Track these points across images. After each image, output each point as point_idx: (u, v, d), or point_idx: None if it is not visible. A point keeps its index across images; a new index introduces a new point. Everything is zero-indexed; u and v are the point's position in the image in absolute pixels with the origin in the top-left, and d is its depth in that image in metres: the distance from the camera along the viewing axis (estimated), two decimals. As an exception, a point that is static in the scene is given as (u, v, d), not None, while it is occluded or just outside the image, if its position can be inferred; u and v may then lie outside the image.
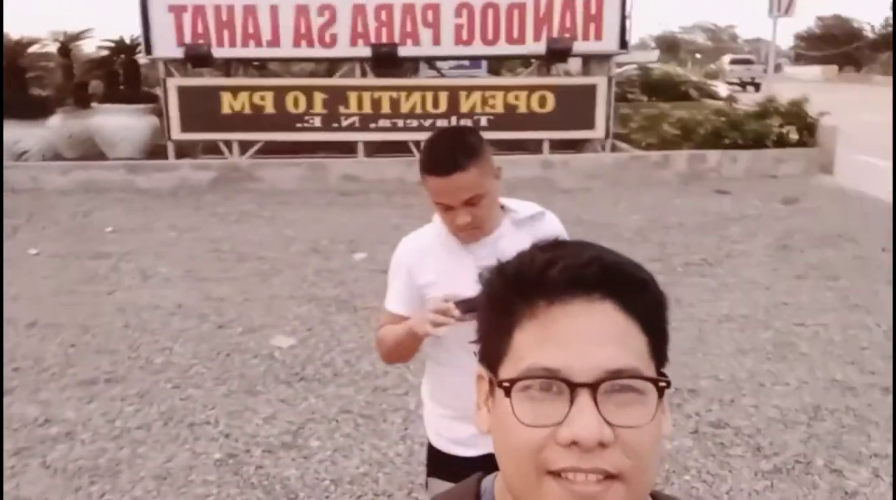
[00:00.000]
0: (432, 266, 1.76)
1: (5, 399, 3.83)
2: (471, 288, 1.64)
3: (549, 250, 0.66)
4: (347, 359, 4.36)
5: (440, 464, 1.84)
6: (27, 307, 5.24)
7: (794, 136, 10.65)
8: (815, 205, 8.60)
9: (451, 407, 1.81)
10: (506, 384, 0.62)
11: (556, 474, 0.60)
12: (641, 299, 0.64)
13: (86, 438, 3.47)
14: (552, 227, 1.81)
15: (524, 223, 1.77)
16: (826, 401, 3.79)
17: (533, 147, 10.74)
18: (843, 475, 3.15)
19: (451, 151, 1.63)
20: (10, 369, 4.21)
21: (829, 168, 10.48)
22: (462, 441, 1.78)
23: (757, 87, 29.24)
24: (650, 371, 0.63)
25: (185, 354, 4.44)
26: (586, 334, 0.61)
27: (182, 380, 4.07)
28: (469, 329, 1.66)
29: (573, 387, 0.60)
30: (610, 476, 0.60)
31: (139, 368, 4.23)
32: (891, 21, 54.27)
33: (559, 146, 10.85)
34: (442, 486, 1.83)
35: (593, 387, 0.60)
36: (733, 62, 39.47)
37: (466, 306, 1.57)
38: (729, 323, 4.88)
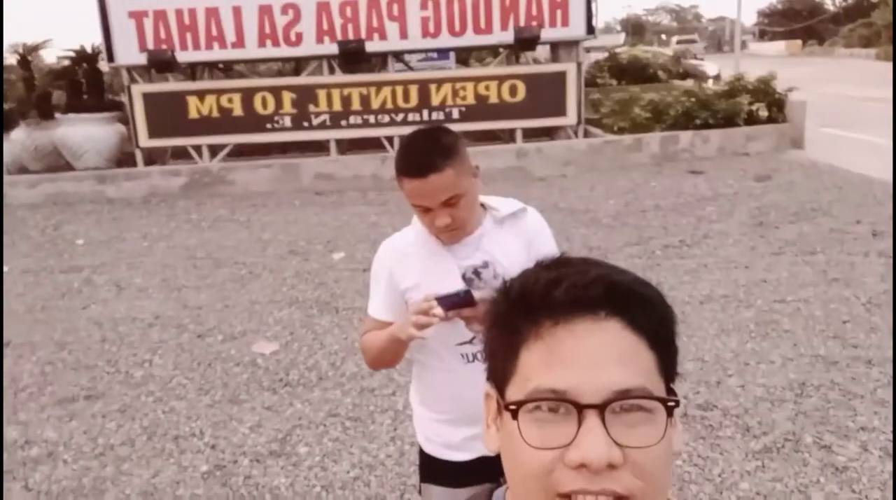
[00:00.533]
0: (414, 269, 1.72)
1: (-18, 423, 3.73)
2: (454, 287, 1.62)
3: (553, 268, 0.66)
4: (332, 361, 4.31)
5: (433, 469, 1.80)
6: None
7: (763, 113, 10.73)
8: (788, 180, 8.67)
9: (440, 411, 1.78)
10: (512, 407, 0.62)
11: (567, 496, 0.60)
12: (648, 316, 0.63)
13: (68, 458, 3.39)
14: (534, 222, 1.78)
15: (506, 221, 1.74)
16: (811, 377, 3.81)
17: (506, 137, 10.73)
18: (833, 450, 3.16)
19: (425, 153, 1.59)
20: (-12, 392, 4.11)
21: (800, 143, 10.59)
22: (454, 445, 1.75)
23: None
24: (659, 389, 0.62)
25: (166, 365, 4.36)
26: (593, 354, 0.60)
27: (164, 392, 4.00)
28: (453, 328, 1.64)
29: (581, 408, 0.59)
30: (620, 498, 0.59)
31: (119, 382, 4.14)
32: (851, -6, 55.01)
33: (532, 135, 10.84)
34: (436, 491, 1.79)
35: (601, 408, 0.59)
36: (679, 42, 44.92)
37: (448, 302, 1.54)
38: (710, 304, 4.90)
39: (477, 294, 1.54)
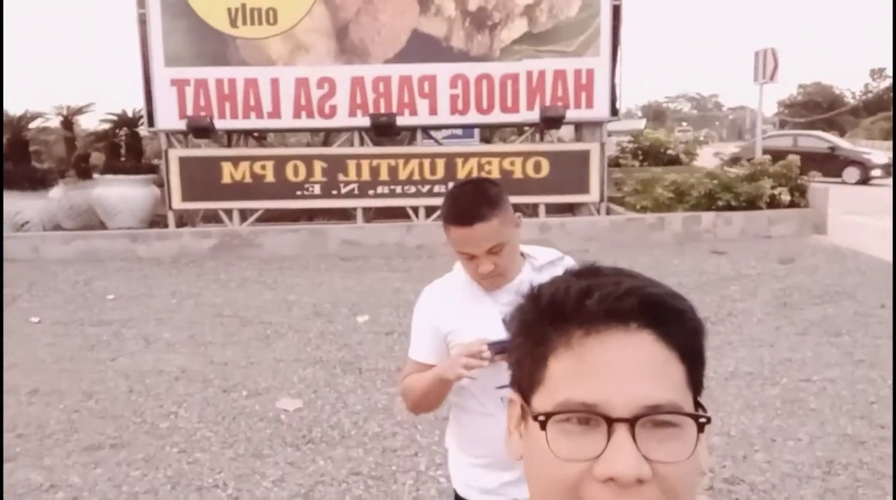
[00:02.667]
0: (456, 313, 1.78)
1: (9, 466, 3.77)
2: (497, 333, 1.68)
3: (585, 277, 0.65)
4: (355, 420, 4.33)
5: None
6: (29, 375, 5.20)
7: (785, 197, 10.83)
8: (812, 263, 8.68)
9: (479, 456, 1.81)
10: (541, 418, 0.61)
11: None
12: (680, 328, 0.62)
13: (87, 497, 3.40)
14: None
15: (544, 268, 1.81)
16: (839, 455, 3.77)
17: (529, 211, 10.90)
18: (863, 528, 3.11)
19: (473, 203, 1.68)
20: (14, 435, 4.15)
21: (823, 228, 10.63)
22: (491, 490, 1.77)
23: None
24: (687, 402, 0.62)
25: (191, 418, 4.39)
26: (624, 367, 0.59)
27: (188, 444, 4.02)
28: (496, 374, 1.69)
29: (611, 422, 0.58)
30: None
31: (144, 432, 4.18)
32: (870, 88, 55.84)
33: (555, 211, 11.00)
34: None
35: (632, 422, 0.58)
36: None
37: (498, 348, 1.60)
38: (735, 380, 4.88)
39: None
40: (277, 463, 3.78)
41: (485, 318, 1.73)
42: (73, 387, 4.95)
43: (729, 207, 10.66)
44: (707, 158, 14.01)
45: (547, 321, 0.63)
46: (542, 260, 1.82)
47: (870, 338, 5.73)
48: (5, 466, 3.77)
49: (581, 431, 0.59)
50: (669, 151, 15.35)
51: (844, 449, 3.84)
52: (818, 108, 59.00)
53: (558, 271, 1.85)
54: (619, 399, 0.59)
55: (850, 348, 5.49)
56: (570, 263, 1.87)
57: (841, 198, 11.96)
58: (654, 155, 14.99)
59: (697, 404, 0.63)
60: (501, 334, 1.64)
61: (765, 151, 15.17)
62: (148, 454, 3.90)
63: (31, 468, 3.74)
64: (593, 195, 10.63)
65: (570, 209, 11.20)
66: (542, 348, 0.63)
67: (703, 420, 0.61)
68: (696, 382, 0.64)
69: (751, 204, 10.68)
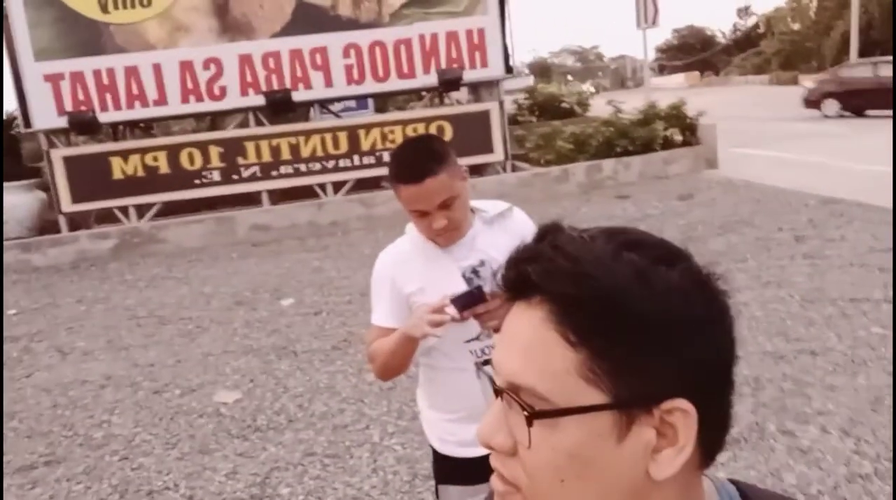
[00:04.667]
0: (415, 274, 1.78)
1: (-66, 502, 3.52)
2: (457, 288, 1.69)
3: (524, 248, 0.61)
4: (299, 403, 4.27)
5: (450, 469, 1.84)
6: (-64, 404, 4.85)
7: (678, 137, 11.30)
8: (709, 197, 9.13)
9: (452, 410, 1.83)
10: (479, 364, 0.65)
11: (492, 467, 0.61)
12: (583, 310, 0.55)
13: (35, 526, 3.24)
14: (521, 219, 1.88)
15: (494, 221, 1.83)
16: (763, 371, 4.02)
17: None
18: (795, 435, 3.34)
19: (419, 159, 1.68)
20: (-67, 469, 3.88)
21: (714, 163, 11.18)
22: (470, 443, 1.79)
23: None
24: (574, 394, 0.55)
25: (126, 424, 4.22)
26: (507, 337, 0.59)
27: (128, 451, 3.87)
28: (463, 328, 1.70)
29: (496, 388, 0.60)
30: (514, 485, 0.59)
31: (78, 445, 3.98)
32: (738, 27, 58.59)
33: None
34: (454, 491, 1.83)
35: (502, 394, 0.59)
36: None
37: (462, 301, 1.61)
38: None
39: (487, 288, 1.62)
40: (227, 456, 3.70)
41: (444, 275, 1.75)
42: (-11, 410, 4.65)
43: (627, 153, 11.02)
44: (600, 108, 14.40)
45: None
46: (492, 212, 1.85)
47: (773, 260, 6.10)
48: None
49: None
50: (564, 104, 15.67)
51: (767, 365, 4.10)
52: (693, 50, 61.53)
53: (509, 222, 1.88)
54: (500, 369, 0.59)
55: (756, 272, 5.83)
56: (518, 213, 1.90)
57: (727, 133, 12.55)
58: (549, 109, 15.27)
59: (623, 398, 0.55)
60: (462, 288, 1.66)
61: (842, 83, 15.52)
62: (87, 466, 3.73)
63: (-39, 500, 3.51)
64: (498, 154, 10.75)
65: (478, 171, 11.29)
66: None
67: (526, 413, 0.55)
68: (613, 371, 0.55)
69: (647, 147, 11.09)
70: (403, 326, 1.71)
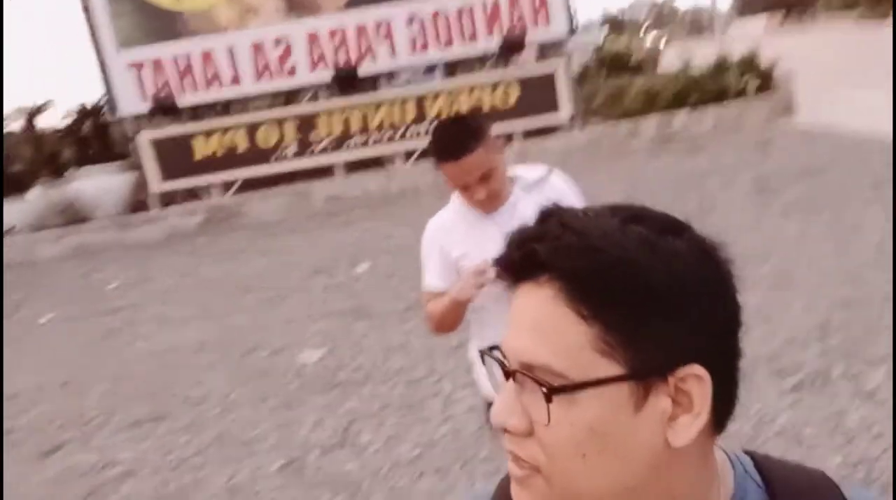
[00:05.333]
0: (461, 240, 1.96)
1: (59, 454, 3.96)
2: (495, 252, 1.85)
3: (528, 229, 0.61)
4: (374, 361, 4.53)
5: None
6: (53, 372, 5.36)
7: (752, 85, 10.96)
8: (785, 146, 8.89)
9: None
10: (482, 353, 0.63)
11: (506, 452, 0.61)
12: (594, 283, 0.56)
13: (146, 473, 3.61)
14: (558, 184, 2.04)
15: (532, 187, 1.99)
16: (832, 319, 4.01)
17: (504, 140, 10.95)
18: (860, 379, 3.36)
19: (456, 138, 1.84)
20: (56, 427, 4.34)
21: (791, 111, 10.80)
22: None
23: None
24: (590, 368, 0.56)
25: (220, 383, 4.59)
26: (516, 319, 0.59)
27: (224, 406, 4.23)
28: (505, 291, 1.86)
29: (507, 371, 0.60)
30: (534, 467, 0.59)
31: (180, 403, 4.37)
32: (822, -36, 55.27)
33: (529, 136, 11.09)
34: None
35: (514, 375, 0.59)
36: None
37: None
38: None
39: None
40: (312, 409, 3.99)
41: (487, 239, 1.87)
42: (100, 375, 5.12)
43: (699, 104, 10.79)
44: (671, 61, 14.06)
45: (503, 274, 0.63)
46: (530, 178, 2.00)
47: (849, 212, 5.96)
48: (56, 454, 3.97)
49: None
50: (633, 59, 15.36)
51: (837, 312, 4.09)
52: (769, -7, 58.41)
53: (546, 187, 2.02)
54: (508, 350, 0.59)
55: (831, 223, 5.72)
56: (556, 177, 2.04)
57: (807, 78, 12.09)
58: (619, 64, 15.00)
59: (638, 370, 0.55)
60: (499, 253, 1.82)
61: None
62: (188, 421, 4.10)
63: (83, 452, 3.94)
64: (565, 113, 10.71)
65: (545, 131, 11.29)
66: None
67: (544, 390, 0.56)
68: (625, 344, 0.55)
69: (720, 98, 10.81)
70: (451, 291, 1.89)
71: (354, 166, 10.99)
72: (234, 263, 7.97)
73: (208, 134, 10.51)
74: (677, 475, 0.59)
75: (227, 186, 10.65)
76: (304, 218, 9.76)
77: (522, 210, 1.91)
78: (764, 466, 0.66)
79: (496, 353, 0.61)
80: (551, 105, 10.64)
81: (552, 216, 0.60)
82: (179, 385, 4.65)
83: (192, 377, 4.75)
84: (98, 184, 10.84)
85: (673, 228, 0.60)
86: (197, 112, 11.36)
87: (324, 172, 10.88)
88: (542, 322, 0.57)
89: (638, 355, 0.55)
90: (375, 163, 10.80)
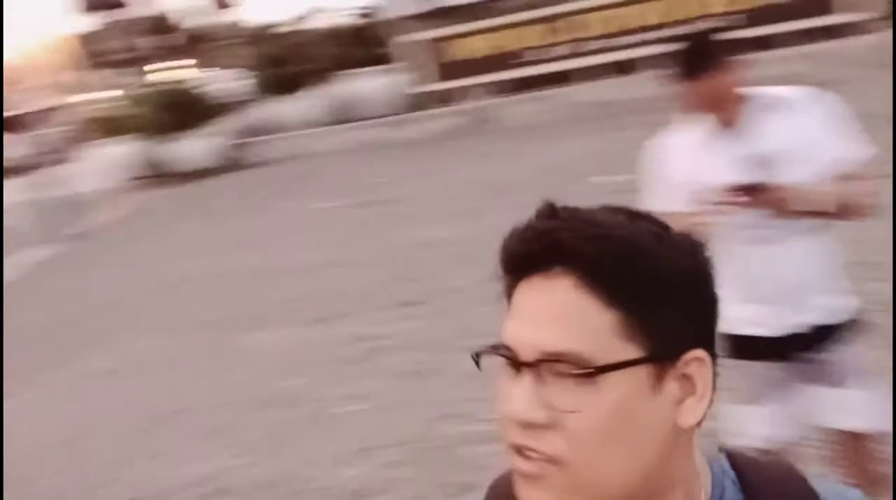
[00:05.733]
0: (689, 161, 1.84)
1: (338, 327, 4.48)
2: (731, 176, 1.70)
3: (534, 221, 0.62)
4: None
5: (732, 346, 1.90)
6: (324, 251, 6.00)
7: None
8: None
9: (732, 291, 1.85)
10: (474, 356, 0.64)
11: (515, 449, 0.60)
12: (614, 270, 0.58)
13: (401, 349, 3.98)
14: (805, 107, 1.82)
15: (771, 107, 1.81)
16: None
17: (784, 42, 9.79)
18: None
19: (696, 57, 1.76)
20: (324, 300, 4.91)
21: None
22: (748, 320, 1.84)
23: None
24: (616, 352, 0.58)
25: (471, 277, 4.80)
26: (532, 311, 0.59)
27: (471, 298, 4.41)
28: (741, 216, 1.72)
29: (518, 365, 0.59)
30: (552, 459, 0.58)
31: (437, 291, 4.69)
32: None
33: (821, 37, 9.77)
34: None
35: (534, 367, 0.58)
36: None
37: (738, 190, 1.69)
38: None
39: (761, 176, 1.69)
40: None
41: (716, 162, 1.80)
42: (366, 258, 5.66)
43: None
44: None
45: (501, 266, 0.64)
46: (768, 98, 1.83)
47: None
48: (324, 323, 4.52)
49: (511, 373, 0.61)
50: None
51: None
52: None
53: (793, 111, 1.79)
54: (524, 343, 0.59)
55: None
56: (811, 101, 1.85)
57: None
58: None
59: (656, 353, 0.58)
60: (736, 177, 1.74)
61: None
62: (443, 308, 4.40)
63: (345, 325, 4.45)
64: (872, 11, 9.23)
65: (842, 33, 9.87)
66: (507, 291, 0.64)
67: (576, 373, 0.57)
68: (644, 328, 0.58)
69: None
70: (683, 219, 1.76)
71: (622, 69, 10.51)
72: (490, 165, 8.16)
73: (476, 34, 10.67)
74: (676, 462, 0.61)
75: (491, 88, 10.82)
76: (568, 122, 9.60)
77: (756, 133, 1.80)
78: (738, 463, 0.68)
79: (487, 350, 0.62)
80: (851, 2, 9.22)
81: (556, 212, 0.62)
82: (439, 276, 4.95)
83: (448, 269, 5.03)
84: (367, 85, 11.64)
85: (666, 225, 0.62)
86: (460, 15, 11.56)
87: (590, 75, 10.55)
88: (565, 311, 0.58)
89: (655, 339, 0.58)
90: (645, 65, 10.25)
